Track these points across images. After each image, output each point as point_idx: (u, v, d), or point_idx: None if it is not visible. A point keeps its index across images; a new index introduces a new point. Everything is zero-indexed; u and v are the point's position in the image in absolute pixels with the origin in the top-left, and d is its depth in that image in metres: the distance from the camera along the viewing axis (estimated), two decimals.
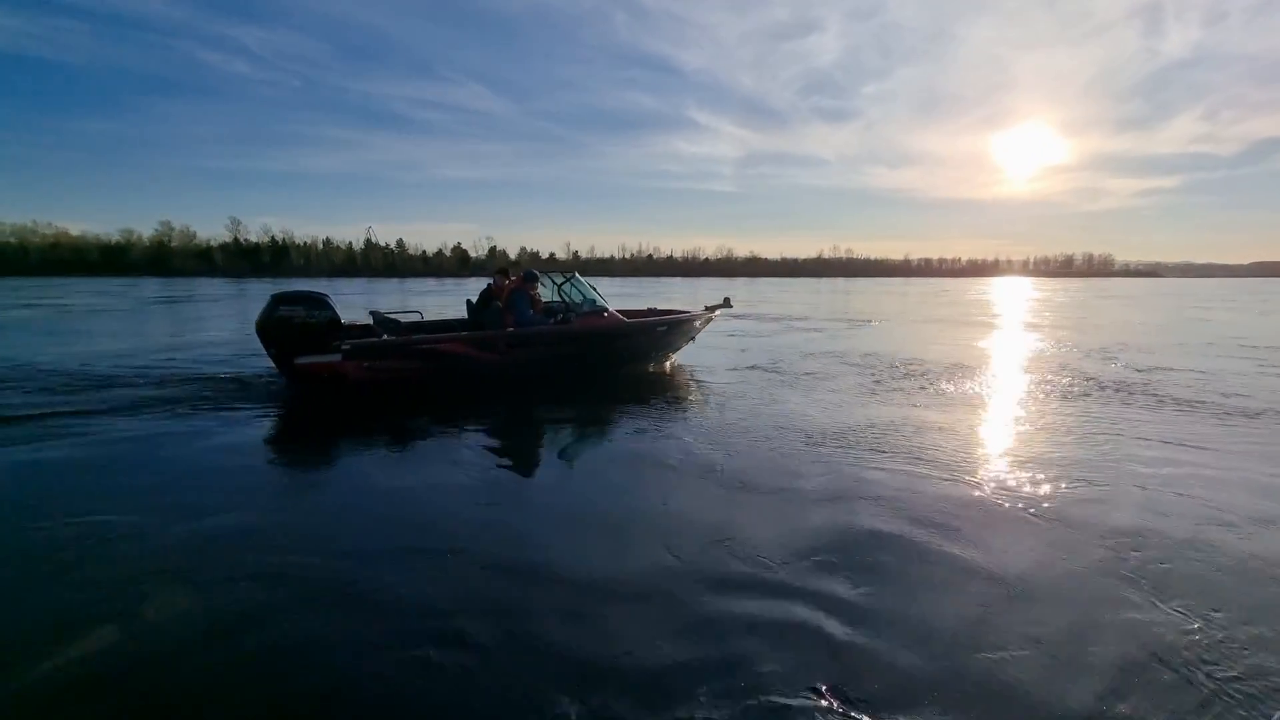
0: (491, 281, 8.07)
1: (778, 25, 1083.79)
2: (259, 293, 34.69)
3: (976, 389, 7.33)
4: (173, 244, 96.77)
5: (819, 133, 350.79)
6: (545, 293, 8.19)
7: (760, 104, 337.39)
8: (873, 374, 8.32)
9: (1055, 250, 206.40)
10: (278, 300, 6.95)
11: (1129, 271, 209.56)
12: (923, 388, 7.38)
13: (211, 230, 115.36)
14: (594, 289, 8.34)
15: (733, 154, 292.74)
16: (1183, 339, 13.14)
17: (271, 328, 6.85)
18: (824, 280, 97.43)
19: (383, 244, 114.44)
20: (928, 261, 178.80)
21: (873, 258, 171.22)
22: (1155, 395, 6.93)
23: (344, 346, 6.68)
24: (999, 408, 6.37)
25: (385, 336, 7.20)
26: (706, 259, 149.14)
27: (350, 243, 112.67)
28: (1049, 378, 8.08)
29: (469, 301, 8.30)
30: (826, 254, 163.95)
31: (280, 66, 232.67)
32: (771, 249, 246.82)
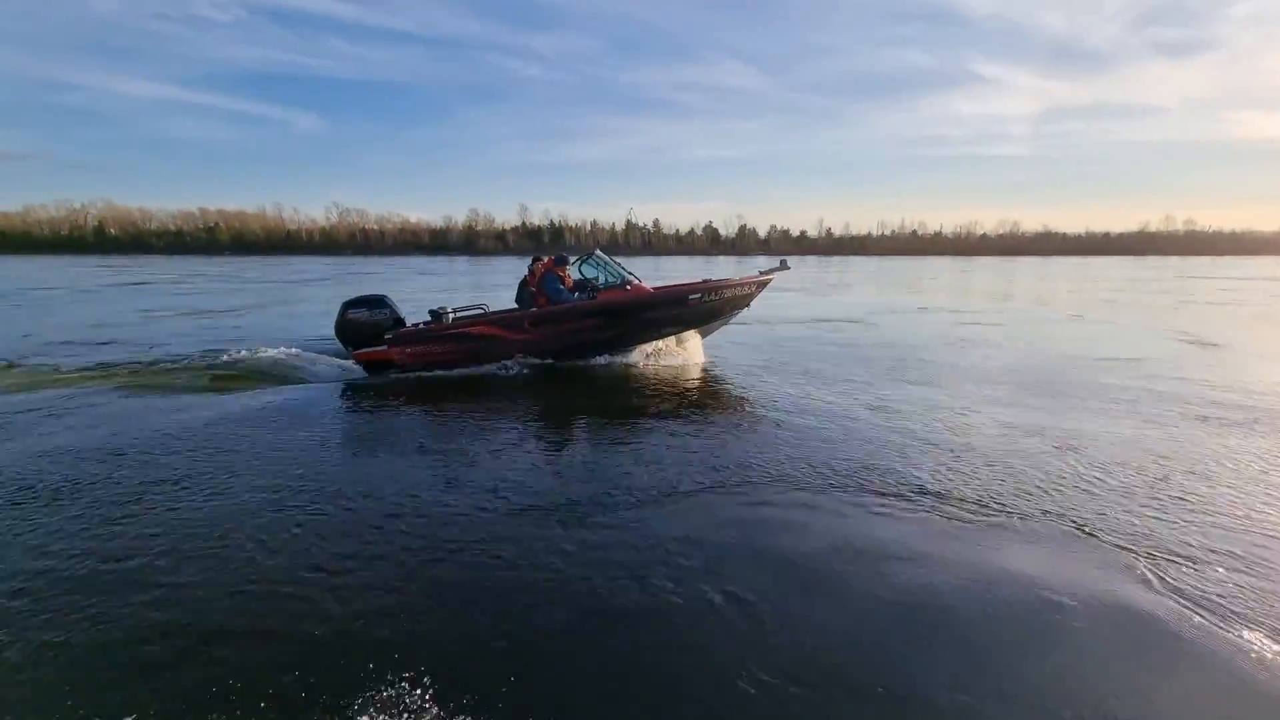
0: (529, 270, 8.62)
1: None
2: None
3: None
4: (478, 228, 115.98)
5: (1155, 72, 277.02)
6: (573, 272, 8.65)
7: (1073, 45, 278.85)
8: None
9: None
10: (346, 306, 8.25)
11: None
12: None
13: (505, 215, 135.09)
14: (618, 264, 8.59)
15: (1027, 109, 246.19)
16: None
17: (343, 329, 8.20)
18: (1149, 258, 77.74)
19: (640, 224, 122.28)
20: None
21: (1227, 230, 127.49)
22: None
23: (387, 336, 8.02)
24: None
25: (421, 325, 8.22)
26: (984, 235, 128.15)
27: (614, 223, 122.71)
28: None
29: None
30: (1154, 226, 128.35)
31: (563, 67, 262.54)
32: (1074, 222, 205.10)
